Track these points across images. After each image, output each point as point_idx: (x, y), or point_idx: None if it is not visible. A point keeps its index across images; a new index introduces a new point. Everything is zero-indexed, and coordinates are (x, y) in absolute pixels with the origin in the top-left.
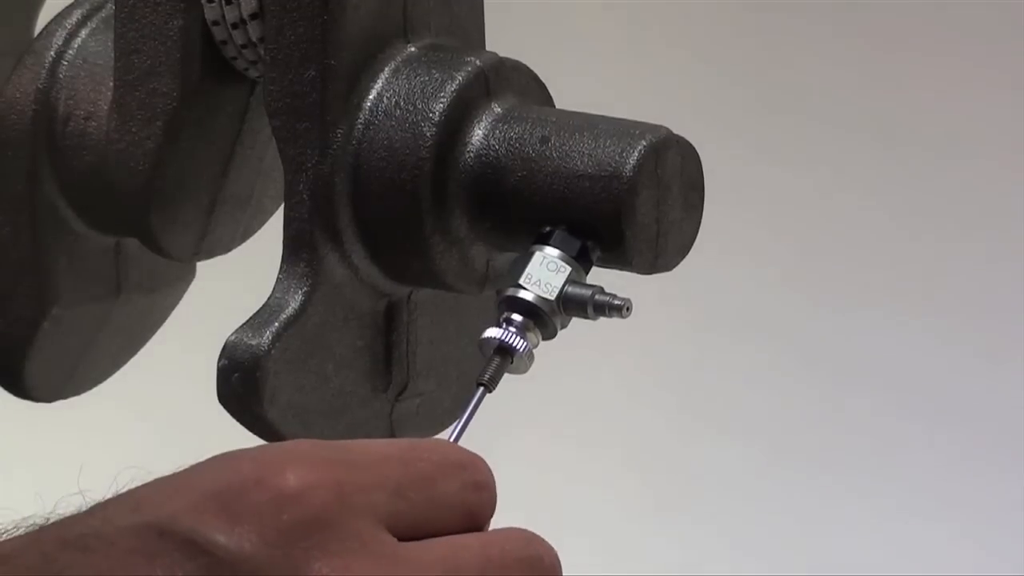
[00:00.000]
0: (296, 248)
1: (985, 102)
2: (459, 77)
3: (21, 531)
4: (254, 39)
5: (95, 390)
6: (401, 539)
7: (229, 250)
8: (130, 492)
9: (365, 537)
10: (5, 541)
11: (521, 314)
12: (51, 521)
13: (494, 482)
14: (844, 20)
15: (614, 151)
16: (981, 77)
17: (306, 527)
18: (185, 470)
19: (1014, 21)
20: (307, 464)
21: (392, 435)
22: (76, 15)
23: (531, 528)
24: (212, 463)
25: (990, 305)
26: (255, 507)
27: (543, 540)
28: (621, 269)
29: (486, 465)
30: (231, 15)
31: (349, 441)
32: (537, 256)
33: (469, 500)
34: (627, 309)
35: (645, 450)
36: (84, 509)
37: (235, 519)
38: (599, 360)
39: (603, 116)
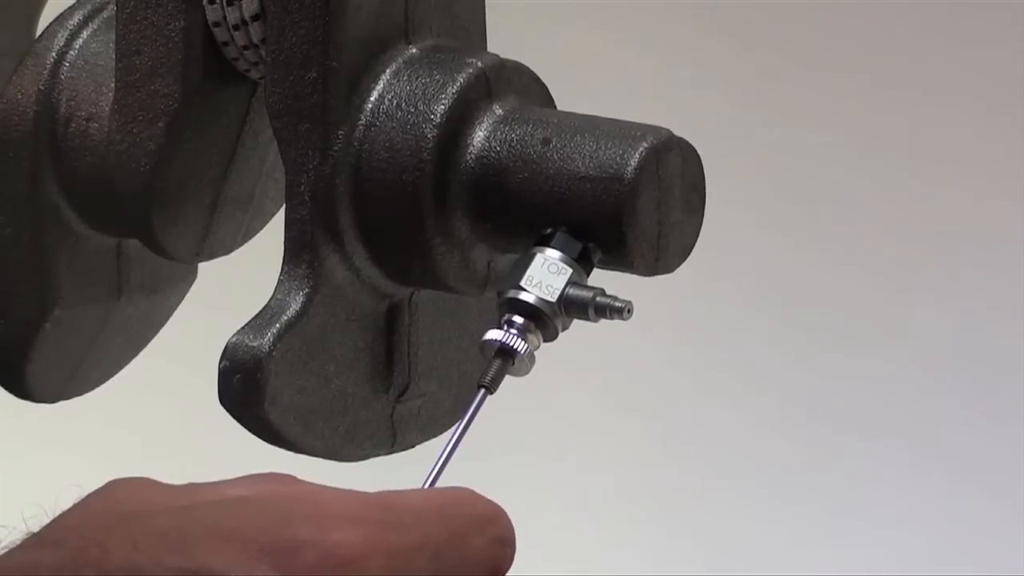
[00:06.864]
0: (297, 249)
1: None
2: (460, 79)
3: (28, 528)
4: (256, 40)
5: (94, 391)
6: None
7: (230, 251)
8: (172, 520)
9: None
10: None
11: (522, 316)
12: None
13: (515, 537)
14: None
15: (615, 153)
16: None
17: None
18: (227, 506)
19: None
20: (359, 527)
21: (393, 436)
22: (77, 16)
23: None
24: (259, 507)
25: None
26: (310, 570)
27: None
28: (622, 271)
29: (509, 519)
30: (233, 16)
31: (390, 495)
32: (538, 258)
33: (494, 555)
34: (628, 311)
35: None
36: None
37: None
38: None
39: (604, 117)
